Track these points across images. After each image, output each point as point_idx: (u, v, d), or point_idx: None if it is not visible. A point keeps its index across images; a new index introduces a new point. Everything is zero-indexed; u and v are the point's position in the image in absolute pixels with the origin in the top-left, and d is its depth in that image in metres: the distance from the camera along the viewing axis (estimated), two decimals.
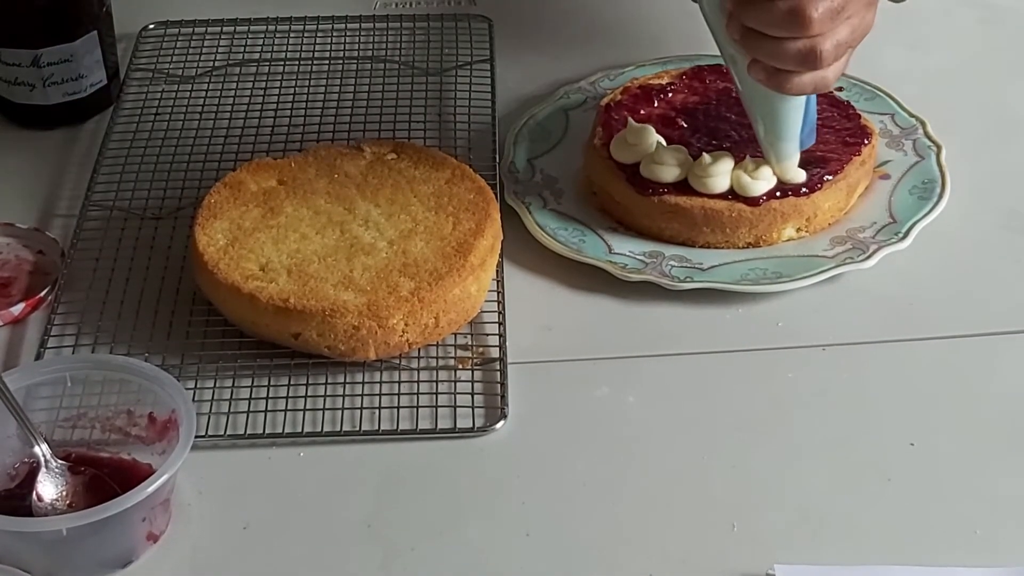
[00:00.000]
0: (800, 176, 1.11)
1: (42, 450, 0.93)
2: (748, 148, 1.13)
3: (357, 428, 0.99)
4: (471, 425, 0.99)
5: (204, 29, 1.36)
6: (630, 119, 1.15)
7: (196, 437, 0.92)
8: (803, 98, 1.07)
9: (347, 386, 1.02)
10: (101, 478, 0.94)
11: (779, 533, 0.92)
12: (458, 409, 1.00)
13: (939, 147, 1.18)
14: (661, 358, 1.05)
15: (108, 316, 1.07)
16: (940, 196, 1.14)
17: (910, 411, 1.00)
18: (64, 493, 0.93)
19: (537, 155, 1.20)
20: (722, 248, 1.12)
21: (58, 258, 1.13)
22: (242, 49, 1.34)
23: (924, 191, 1.15)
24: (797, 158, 1.11)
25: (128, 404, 0.97)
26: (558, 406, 1.01)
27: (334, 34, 1.36)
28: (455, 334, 1.05)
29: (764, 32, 0.99)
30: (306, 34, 1.35)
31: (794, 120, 1.08)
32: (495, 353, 1.04)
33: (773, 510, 0.94)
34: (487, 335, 1.06)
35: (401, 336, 1.01)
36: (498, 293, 1.08)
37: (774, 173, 1.11)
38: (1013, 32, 1.37)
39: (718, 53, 1.26)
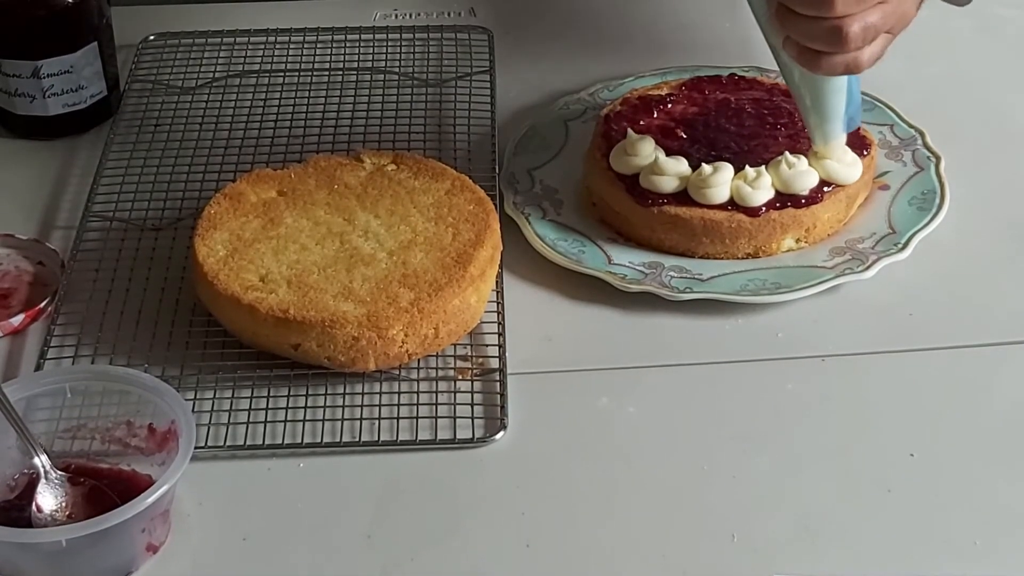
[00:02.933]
0: (845, 157, 1.12)
1: (42, 461, 0.93)
2: (748, 158, 1.13)
3: (357, 439, 0.99)
4: (471, 436, 0.99)
5: (204, 40, 1.36)
6: (629, 130, 1.15)
7: (196, 448, 0.92)
8: (843, 79, 1.08)
9: (347, 397, 1.02)
10: (101, 489, 0.94)
11: (779, 543, 0.92)
12: (458, 420, 1.00)
13: (938, 158, 1.18)
14: (661, 369, 1.05)
15: (108, 327, 1.07)
16: (939, 207, 1.14)
17: (910, 422, 1.00)
18: (63, 504, 0.93)
19: (537, 166, 1.20)
20: (721, 259, 1.12)
21: (58, 269, 1.13)
22: (242, 60, 1.34)
23: (923, 202, 1.15)
24: (843, 139, 1.12)
25: (128, 415, 0.97)
26: (558, 417, 1.01)
27: (334, 45, 1.36)
28: (455, 345, 1.05)
29: (793, 10, 1.00)
30: (306, 45, 1.36)
31: (836, 101, 1.09)
32: (495, 364, 1.04)
33: (773, 520, 0.94)
34: (487, 346, 1.06)
35: (401, 347, 1.01)
36: (498, 304, 1.08)
37: (820, 154, 1.12)
38: (1012, 42, 1.37)
39: (717, 64, 1.27)
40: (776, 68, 1.26)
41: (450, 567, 0.92)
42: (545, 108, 1.26)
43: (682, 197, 1.12)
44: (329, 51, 1.35)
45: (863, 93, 1.24)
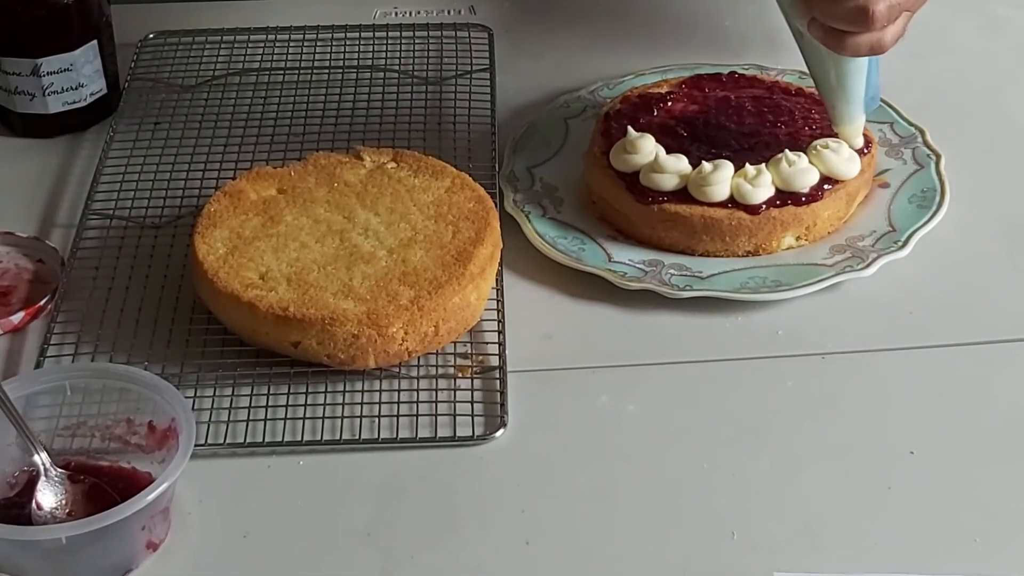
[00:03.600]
0: (860, 141, 1.14)
1: (42, 459, 0.93)
2: (747, 156, 1.13)
3: (356, 437, 0.99)
4: (471, 434, 0.99)
5: (204, 39, 1.36)
6: (629, 128, 1.15)
7: (196, 446, 0.92)
8: (864, 61, 1.09)
9: (346, 395, 1.02)
10: (101, 487, 0.94)
11: (779, 541, 0.92)
12: (458, 418, 1.00)
13: (938, 156, 1.18)
14: (661, 366, 1.05)
15: (108, 325, 1.07)
16: (939, 205, 1.14)
17: (910, 419, 1.00)
18: (64, 502, 0.93)
19: (537, 164, 1.20)
20: (722, 256, 1.12)
21: (58, 267, 1.13)
22: (242, 58, 1.34)
23: (923, 200, 1.15)
24: (862, 120, 1.13)
25: (128, 413, 0.97)
26: (558, 415, 1.01)
27: (334, 43, 1.36)
28: (455, 343, 1.05)
29: None
30: (306, 43, 1.36)
31: (857, 82, 1.10)
32: (495, 361, 1.04)
33: (773, 518, 0.94)
34: (487, 343, 1.06)
35: (401, 345, 1.01)
36: (498, 302, 1.08)
37: (841, 136, 1.13)
38: (1012, 41, 1.37)
39: (717, 62, 1.27)
40: (776, 67, 1.27)
41: (450, 564, 0.92)
42: (545, 106, 1.26)
43: (682, 195, 1.12)
44: (329, 49, 1.35)
45: None
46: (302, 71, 1.32)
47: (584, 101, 1.26)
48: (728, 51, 1.32)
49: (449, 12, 1.41)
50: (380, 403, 1.01)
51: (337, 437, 0.99)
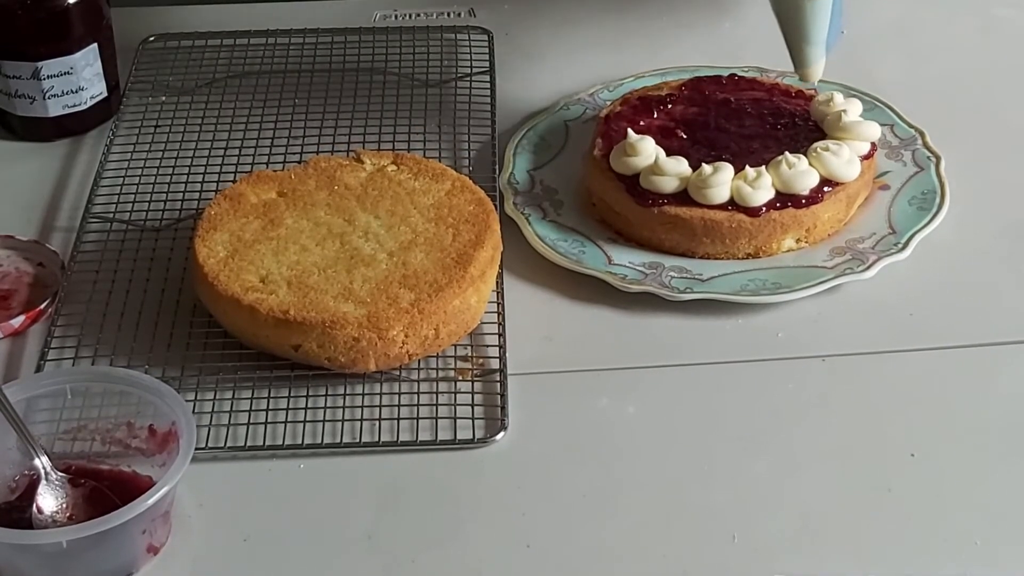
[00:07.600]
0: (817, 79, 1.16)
1: (42, 462, 0.93)
2: (748, 159, 1.13)
3: (357, 440, 0.99)
4: (471, 436, 0.99)
5: (204, 42, 1.36)
6: (629, 130, 1.15)
7: (196, 449, 0.92)
8: (829, 2, 1.11)
9: (347, 398, 1.02)
10: (101, 490, 0.94)
11: (780, 544, 0.92)
12: (458, 420, 1.00)
13: (938, 158, 1.18)
14: (661, 369, 1.05)
15: (108, 328, 1.07)
16: (939, 207, 1.14)
17: (910, 421, 1.00)
18: (64, 505, 0.93)
19: (537, 166, 1.20)
20: (722, 259, 1.12)
21: (58, 270, 1.13)
22: (242, 61, 1.34)
23: (923, 202, 1.15)
24: (823, 63, 1.15)
25: (128, 416, 0.97)
26: (558, 417, 1.01)
27: (334, 46, 1.36)
28: (455, 345, 1.05)
29: None
30: (306, 46, 1.36)
31: (821, 23, 1.13)
32: (495, 364, 1.04)
33: (774, 521, 0.94)
34: (487, 346, 1.06)
35: (401, 348, 1.01)
36: (498, 304, 1.08)
37: (803, 78, 1.15)
38: (1012, 42, 1.37)
39: (716, 64, 1.27)
40: (775, 69, 1.27)
41: (451, 567, 0.92)
42: (545, 109, 1.26)
43: (682, 197, 1.12)
44: (329, 52, 1.35)
45: (863, 92, 1.24)
46: (302, 74, 1.32)
47: (584, 103, 1.26)
48: (728, 53, 1.32)
49: (449, 15, 1.41)
50: (380, 406, 1.01)
51: (338, 440, 0.99)
